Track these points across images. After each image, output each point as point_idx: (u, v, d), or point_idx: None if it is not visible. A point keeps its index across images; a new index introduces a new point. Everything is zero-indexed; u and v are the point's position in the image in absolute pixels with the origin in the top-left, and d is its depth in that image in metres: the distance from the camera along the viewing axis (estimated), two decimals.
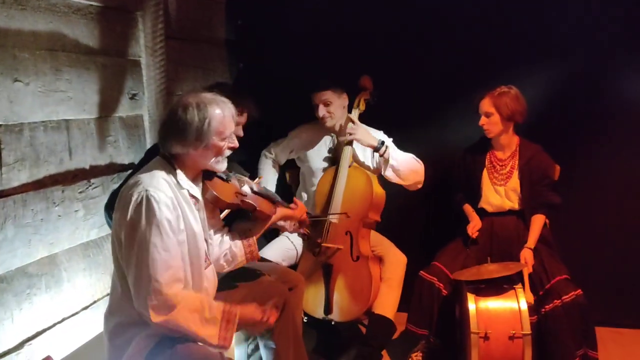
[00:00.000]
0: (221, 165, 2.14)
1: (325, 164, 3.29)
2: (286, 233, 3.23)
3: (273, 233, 3.32)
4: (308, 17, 3.60)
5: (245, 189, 2.30)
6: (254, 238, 2.34)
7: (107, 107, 2.61)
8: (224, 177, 2.27)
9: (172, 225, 1.95)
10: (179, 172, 2.05)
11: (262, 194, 2.39)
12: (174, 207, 1.97)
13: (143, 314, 1.89)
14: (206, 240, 2.17)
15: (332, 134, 3.30)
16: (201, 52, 3.53)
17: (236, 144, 2.14)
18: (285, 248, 3.16)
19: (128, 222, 1.90)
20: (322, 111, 3.14)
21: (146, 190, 1.91)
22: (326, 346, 3.15)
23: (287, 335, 2.38)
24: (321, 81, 3.17)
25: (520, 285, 2.72)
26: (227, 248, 2.31)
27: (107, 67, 2.59)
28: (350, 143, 3.15)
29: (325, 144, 3.33)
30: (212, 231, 2.26)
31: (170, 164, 2.05)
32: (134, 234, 1.89)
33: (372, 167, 3.22)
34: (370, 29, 3.51)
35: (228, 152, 2.13)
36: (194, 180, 2.13)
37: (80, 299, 2.47)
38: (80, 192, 2.45)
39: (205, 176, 2.19)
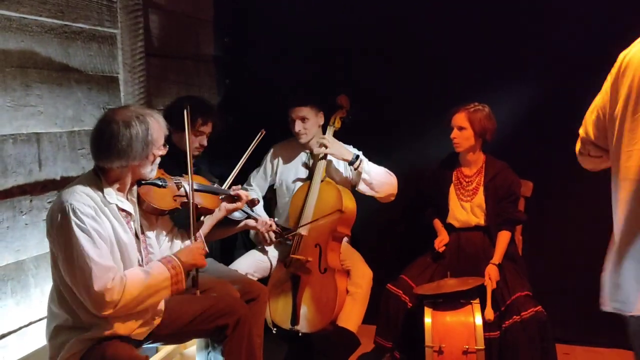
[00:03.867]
0: (153, 173, 2.22)
1: (301, 180, 3.37)
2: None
3: (250, 245, 3.42)
4: (292, 34, 3.71)
5: (184, 189, 2.34)
6: (202, 240, 2.39)
7: (80, 121, 2.73)
8: (160, 184, 2.30)
9: (101, 234, 2.01)
10: (106, 189, 2.11)
11: (204, 190, 2.45)
12: (98, 217, 2.03)
13: (95, 310, 1.98)
14: (141, 252, 2.22)
15: (307, 150, 3.38)
16: (186, 69, 3.65)
17: (165, 151, 2.20)
18: (258, 260, 3.23)
19: (59, 239, 1.99)
20: (298, 126, 3.23)
21: (66, 205, 1.98)
22: (294, 358, 3.21)
23: (239, 352, 2.42)
24: (300, 97, 3.25)
25: (477, 300, 2.75)
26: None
27: (81, 83, 2.72)
28: (324, 157, 3.23)
29: (300, 160, 3.41)
30: (163, 235, 2.34)
31: (99, 178, 2.11)
32: (68, 249, 1.97)
33: (348, 180, 3.29)
34: (350, 47, 3.61)
35: (159, 160, 2.21)
36: (127, 192, 2.19)
37: None
38: (50, 202, 2.55)
39: (140, 186, 2.24)
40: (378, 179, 3.16)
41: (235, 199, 2.57)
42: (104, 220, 2.05)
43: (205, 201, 2.41)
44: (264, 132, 2.71)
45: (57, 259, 2.03)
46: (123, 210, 2.16)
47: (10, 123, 2.35)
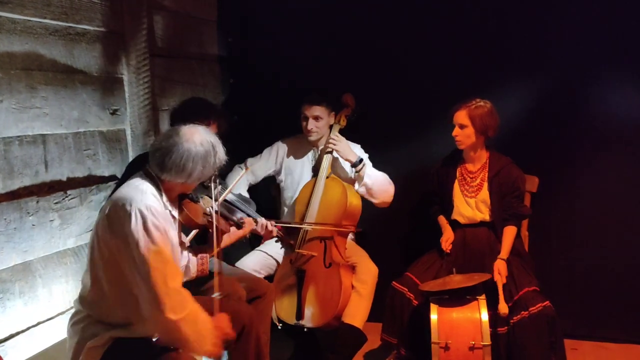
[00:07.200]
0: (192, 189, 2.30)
1: (308, 177, 3.38)
2: (266, 242, 3.35)
3: (257, 242, 3.44)
4: (297, 34, 3.72)
5: (209, 209, 2.40)
6: (207, 256, 2.45)
7: (85, 122, 2.74)
8: (194, 198, 2.38)
9: (169, 235, 2.08)
10: (164, 195, 2.17)
11: (221, 214, 2.51)
12: (165, 220, 2.10)
13: (154, 317, 1.98)
14: (180, 259, 2.30)
15: (315, 148, 3.39)
16: (190, 69, 3.66)
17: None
18: (263, 258, 3.24)
19: (131, 239, 1.98)
20: (310, 124, 3.25)
21: (141, 206, 2.01)
22: (300, 355, 3.22)
23: (247, 355, 2.42)
24: (316, 96, 3.28)
25: (483, 296, 2.75)
26: (184, 264, 2.42)
27: (86, 84, 2.73)
28: (329, 153, 3.25)
29: (307, 158, 3.42)
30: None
31: (158, 186, 2.15)
32: (142, 248, 1.97)
33: (351, 179, 3.30)
34: (353, 46, 3.61)
35: None
36: (173, 201, 2.25)
37: (56, 304, 2.60)
38: (56, 203, 2.58)
39: (180, 198, 2.31)
40: (378, 186, 3.20)
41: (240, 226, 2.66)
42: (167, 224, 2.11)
43: (221, 224, 2.47)
44: (248, 169, 2.71)
45: (122, 259, 2.01)
46: (173, 216, 2.21)
47: (16, 125, 2.37)
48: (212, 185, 2.39)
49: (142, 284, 1.98)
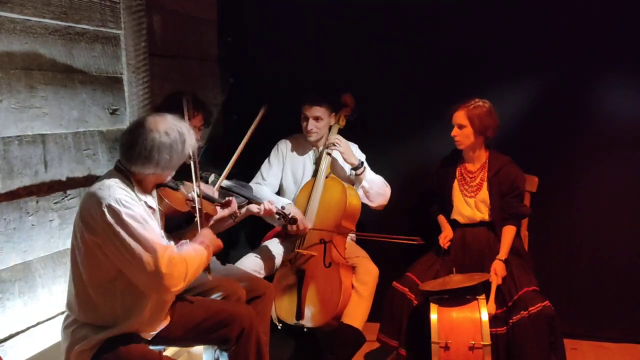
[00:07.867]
0: (170, 177, 2.27)
1: (309, 177, 3.38)
2: (266, 242, 3.35)
3: (257, 241, 3.43)
4: (297, 34, 3.72)
5: (192, 194, 2.37)
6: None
7: (85, 122, 2.74)
8: (174, 186, 2.35)
9: (144, 217, 2.06)
10: (136, 188, 2.15)
11: (205, 197, 2.49)
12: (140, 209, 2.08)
13: (165, 296, 2.13)
14: None
15: (315, 148, 3.39)
16: (190, 69, 3.66)
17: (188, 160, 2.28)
18: (263, 258, 3.23)
19: (111, 233, 1.99)
20: (311, 125, 3.25)
21: (111, 201, 2.00)
22: (300, 355, 3.21)
23: (248, 356, 2.40)
24: (317, 97, 3.27)
25: (483, 296, 2.75)
26: None
27: (85, 84, 2.73)
28: (329, 153, 3.24)
29: (308, 157, 3.42)
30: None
31: (129, 180, 2.13)
32: (125, 240, 1.98)
33: (350, 180, 3.31)
34: (353, 45, 3.61)
35: None
36: (149, 192, 2.23)
37: (56, 304, 2.59)
38: (56, 203, 2.57)
39: (158, 186, 2.28)
40: (375, 189, 3.21)
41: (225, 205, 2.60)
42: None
43: (207, 208, 2.44)
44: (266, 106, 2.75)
45: (108, 253, 2.02)
46: (150, 207, 2.20)
47: (15, 125, 2.37)
48: (192, 169, 2.35)
49: (138, 273, 2.00)
